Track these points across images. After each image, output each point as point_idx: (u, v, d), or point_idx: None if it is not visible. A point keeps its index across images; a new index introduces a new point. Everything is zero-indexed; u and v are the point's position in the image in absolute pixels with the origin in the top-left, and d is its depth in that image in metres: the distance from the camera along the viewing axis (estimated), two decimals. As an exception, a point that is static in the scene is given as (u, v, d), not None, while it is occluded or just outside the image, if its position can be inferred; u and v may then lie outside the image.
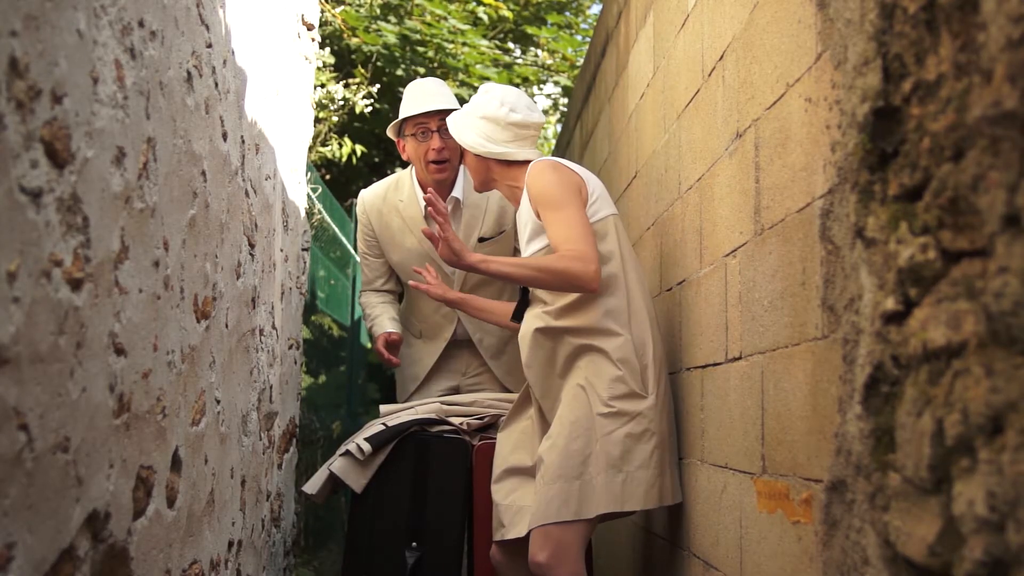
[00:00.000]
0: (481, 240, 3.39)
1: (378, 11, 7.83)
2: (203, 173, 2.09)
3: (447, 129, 3.26)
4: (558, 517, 2.50)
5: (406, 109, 3.33)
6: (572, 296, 2.63)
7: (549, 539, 2.50)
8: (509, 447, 2.82)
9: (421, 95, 3.33)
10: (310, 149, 5.21)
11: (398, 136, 3.40)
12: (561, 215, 2.61)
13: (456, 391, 3.47)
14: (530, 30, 9.42)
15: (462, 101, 8.72)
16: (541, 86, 10.18)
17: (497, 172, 2.87)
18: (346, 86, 6.85)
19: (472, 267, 2.67)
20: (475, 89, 8.31)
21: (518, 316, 2.82)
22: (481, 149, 2.83)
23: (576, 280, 2.56)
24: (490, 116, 2.83)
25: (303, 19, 3.78)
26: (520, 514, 2.64)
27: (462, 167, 3.41)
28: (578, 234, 2.59)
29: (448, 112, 3.27)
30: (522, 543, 2.67)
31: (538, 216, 2.69)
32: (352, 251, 6.33)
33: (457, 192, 3.38)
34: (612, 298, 2.65)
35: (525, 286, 2.78)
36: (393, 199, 3.46)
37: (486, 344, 3.47)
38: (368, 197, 3.52)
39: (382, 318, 3.44)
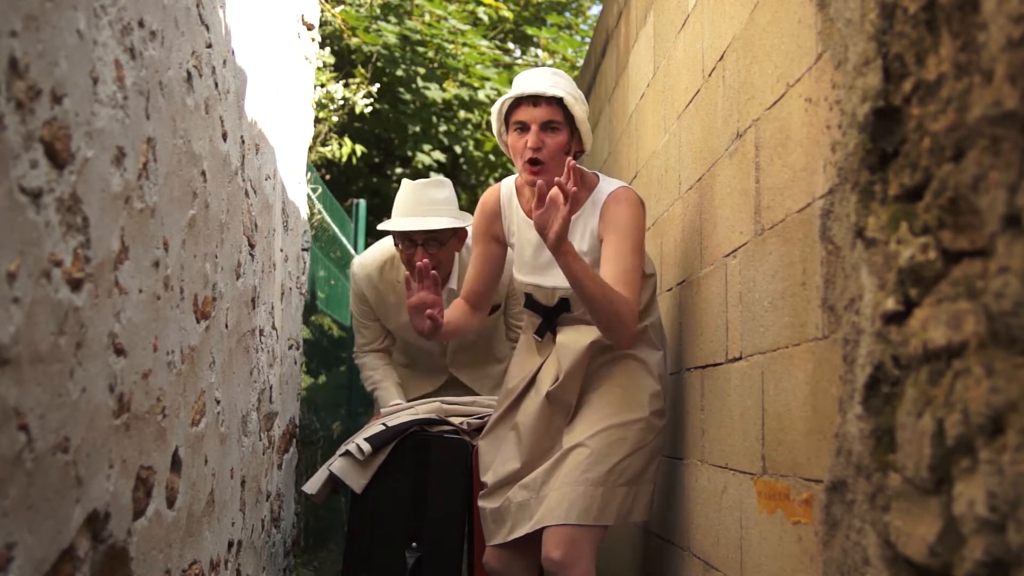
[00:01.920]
0: None
1: (378, 11, 7.83)
2: (203, 173, 2.09)
3: (432, 242, 3.15)
4: (578, 520, 2.49)
5: (394, 215, 3.20)
6: None
7: (565, 538, 2.49)
8: (499, 460, 2.75)
9: (410, 203, 3.19)
10: (310, 149, 5.21)
11: None
12: (636, 261, 2.52)
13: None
14: (530, 31, 9.42)
15: (462, 103, 8.70)
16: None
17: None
18: (346, 86, 6.86)
19: (560, 250, 2.37)
20: (475, 90, 8.31)
21: (541, 333, 2.73)
22: (585, 131, 2.61)
23: (619, 332, 2.49)
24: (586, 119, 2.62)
25: (303, 19, 3.78)
26: (523, 510, 2.61)
27: (457, 258, 3.30)
28: (639, 289, 2.52)
29: (433, 232, 3.13)
30: (521, 544, 2.66)
31: (600, 240, 2.57)
32: (352, 251, 6.34)
33: (452, 283, 3.29)
34: (656, 313, 2.67)
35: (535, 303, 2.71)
36: (391, 277, 3.37)
37: (484, 390, 3.46)
38: (361, 273, 3.40)
39: (387, 384, 3.38)
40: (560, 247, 2.38)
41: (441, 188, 3.27)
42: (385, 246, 3.42)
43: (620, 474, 2.53)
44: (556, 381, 2.64)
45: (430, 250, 3.16)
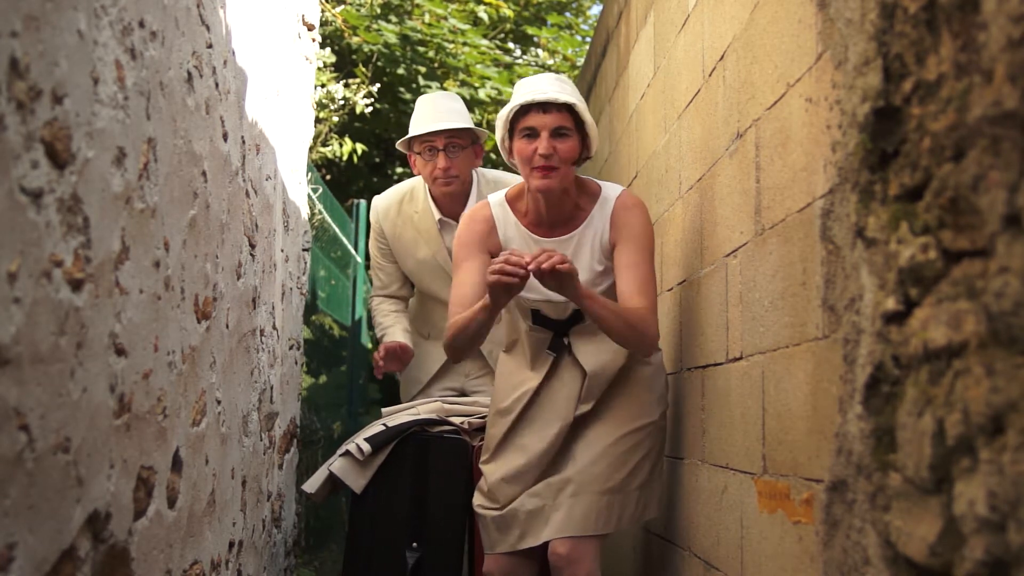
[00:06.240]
0: None
1: (378, 10, 7.83)
2: (203, 173, 2.09)
3: (453, 147, 3.19)
4: (602, 530, 2.54)
5: (413, 127, 3.28)
6: None
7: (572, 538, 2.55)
8: (505, 474, 2.65)
9: (430, 112, 3.27)
10: (311, 149, 5.21)
11: (408, 151, 3.36)
12: (651, 267, 2.53)
13: (461, 393, 3.46)
14: (530, 30, 9.42)
15: (464, 101, 8.73)
16: (541, 86, 10.13)
17: (574, 187, 2.59)
18: (346, 86, 6.85)
19: (575, 298, 2.37)
20: (475, 89, 8.31)
21: (556, 348, 2.66)
22: (594, 136, 2.57)
23: (642, 346, 2.50)
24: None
25: (303, 19, 3.78)
26: (535, 517, 2.57)
27: (475, 181, 3.32)
28: (656, 295, 2.52)
29: (454, 131, 3.18)
30: (525, 550, 2.63)
31: (612, 246, 2.56)
32: (352, 251, 6.34)
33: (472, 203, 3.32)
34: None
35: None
36: (408, 210, 3.42)
37: (496, 356, 3.44)
38: (381, 206, 3.47)
39: (395, 328, 3.41)
40: (573, 295, 2.35)
41: (455, 99, 3.35)
42: (403, 185, 3.50)
43: (634, 478, 2.58)
44: (580, 399, 2.61)
45: (451, 156, 3.21)
